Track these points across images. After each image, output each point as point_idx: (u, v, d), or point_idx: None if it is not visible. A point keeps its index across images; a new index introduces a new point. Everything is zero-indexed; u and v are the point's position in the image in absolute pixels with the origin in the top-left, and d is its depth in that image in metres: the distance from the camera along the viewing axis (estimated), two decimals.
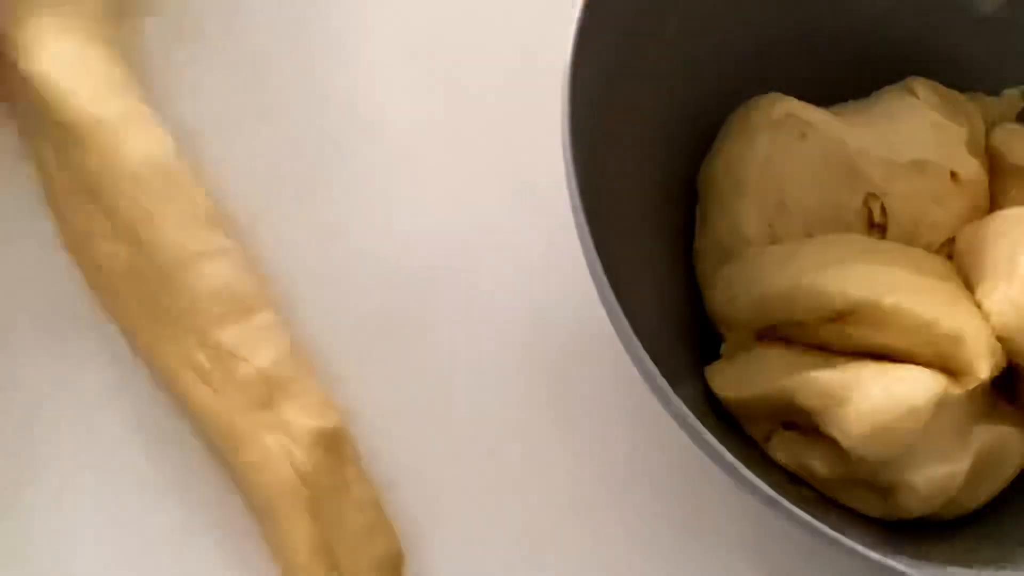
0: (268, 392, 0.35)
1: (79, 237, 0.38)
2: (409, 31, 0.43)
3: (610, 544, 0.37)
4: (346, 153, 0.41)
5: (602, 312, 0.31)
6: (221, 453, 0.36)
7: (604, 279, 0.31)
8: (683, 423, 0.30)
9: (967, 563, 0.33)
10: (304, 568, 0.34)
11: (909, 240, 0.38)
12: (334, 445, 0.36)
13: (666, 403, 0.30)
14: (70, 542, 0.36)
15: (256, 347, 0.36)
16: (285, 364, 0.36)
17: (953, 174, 0.39)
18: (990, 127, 0.41)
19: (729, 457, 0.30)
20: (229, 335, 0.36)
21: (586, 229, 0.31)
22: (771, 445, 0.36)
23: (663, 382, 0.30)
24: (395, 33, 0.43)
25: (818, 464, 0.35)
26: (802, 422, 0.35)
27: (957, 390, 0.34)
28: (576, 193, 0.31)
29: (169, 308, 0.36)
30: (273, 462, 0.35)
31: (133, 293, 0.37)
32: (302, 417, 0.35)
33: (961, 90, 0.41)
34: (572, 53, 0.32)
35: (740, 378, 0.36)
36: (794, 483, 0.36)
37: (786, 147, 0.38)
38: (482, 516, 0.37)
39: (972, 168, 0.39)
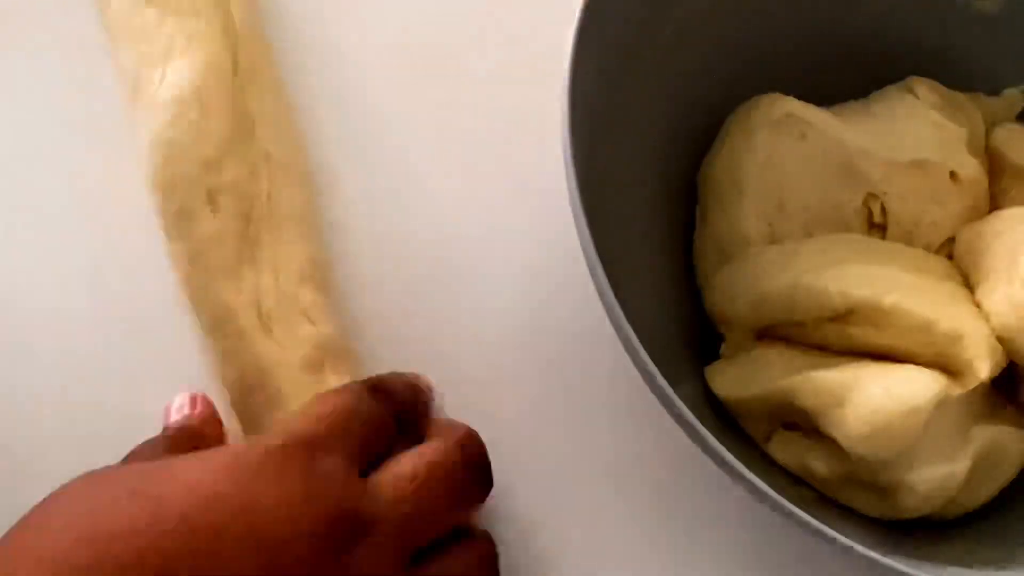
0: (320, 359, 0.36)
1: None
2: (408, 31, 0.43)
3: (610, 543, 0.37)
4: (344, 155, 0.41)
5: (602, 312, 0.31)
6: (242, 393, 0.37)
7: (604, 279, 0.31)
8: (683, 423, 0.30)
9: (967, 563, 0.33)
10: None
11: (909, 240, 0.38)
12: None
13: (666, 403, 0.30)
14: None
15: (324, 316, 0.37)
16: (340, 341, 0.37)
17: (953, 174, 0.38)
18: (990, 127, 0.40)
19: (729, 457, 0.30)
20: (307, 296, 0.37)
21: (586, 229, 0.31)
22: (771, 445, 0.36)
23: (663, 382, 0.30)
24: (393, 32, 0.43)
25: (818, 464, 0.35)
26: (802, 422, 0.35)
27: (957, 390, 0.34)
28: (576, 193, 0.31)
29: (263, 238, 0.37)
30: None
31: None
32: None
33: (961, 90, 0.41)
34: (572, 53, 0.32)
35: (740, 378, 0.36)
36: (794, 483, 0.36)
37: (786, 147, 0.38)
38: (481, 514, 0.37)
39: (972, 168, 0.39)
